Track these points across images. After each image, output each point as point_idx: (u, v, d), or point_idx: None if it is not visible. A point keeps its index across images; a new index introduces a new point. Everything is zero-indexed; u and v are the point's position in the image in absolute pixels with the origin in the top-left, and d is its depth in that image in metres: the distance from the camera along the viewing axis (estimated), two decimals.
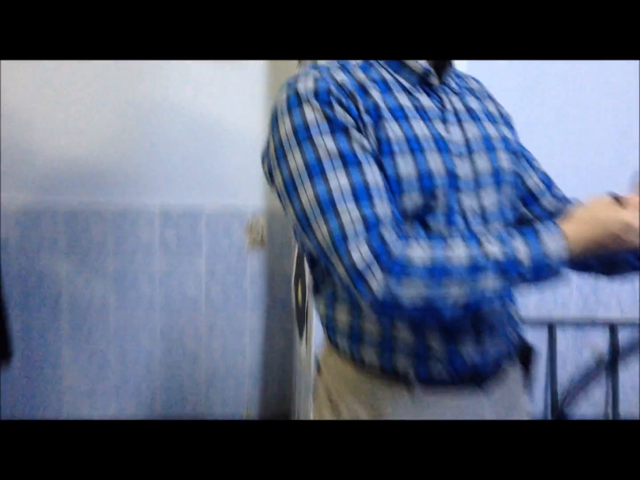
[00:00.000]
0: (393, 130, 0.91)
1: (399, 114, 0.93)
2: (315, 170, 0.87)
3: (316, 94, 0.89)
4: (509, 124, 1.12)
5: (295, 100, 0.89)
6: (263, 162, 0.98)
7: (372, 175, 0.87)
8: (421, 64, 0.96)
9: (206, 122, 2.48)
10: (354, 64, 0.96)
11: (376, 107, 0.91)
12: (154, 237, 2.51)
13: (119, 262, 2.49)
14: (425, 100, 0.97)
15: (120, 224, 2.48)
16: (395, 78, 0.97)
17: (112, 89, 2.42)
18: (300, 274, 2.10)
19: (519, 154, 1.09)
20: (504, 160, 1.02)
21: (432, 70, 0.97)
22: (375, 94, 0.92)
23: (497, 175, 1.00)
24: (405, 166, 0.89)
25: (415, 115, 0.94)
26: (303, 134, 0.88)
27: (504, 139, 1.05)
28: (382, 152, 0.89)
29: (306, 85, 0.90)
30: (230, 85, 2.49)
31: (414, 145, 0.91)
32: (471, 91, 1.08)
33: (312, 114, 0.88)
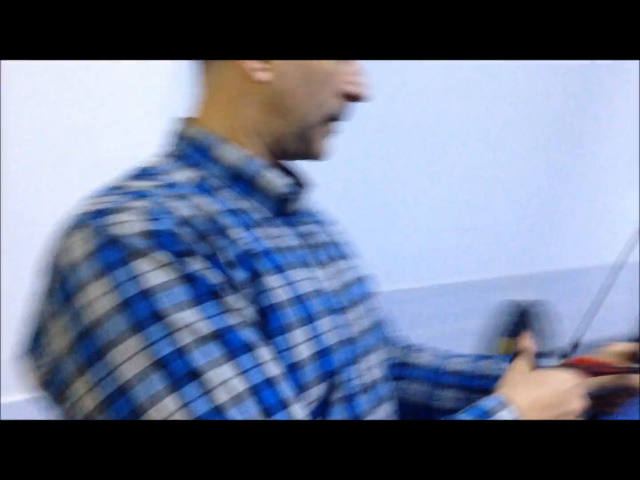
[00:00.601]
0: (273, 291, 0.62)
1: (275, 263, 0.65)
2: (181, 372, 0.51)
3: (155, 240, 0.54)
4: (354, 254, 0.87)
5: (115, 253, 0.53)
6: (26, 360, 0.61)
7: (272, 362, 0.57)
8: (276, 186, 0.70)
9: None
10: (189, 188, 0.64)
11: (244, 254, 0.62)
12: None
13: None
14: (289, 237, 0.71)
15: None
16: (248, 207, 0.68)
17: None
18: None
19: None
20: (377, 308, 0.82)
21: (289, 193, 0.71)
22: (236, 233, 0.63)
23: (376, 330, 0.79)
24: (304, 346, 0.62)
25: (290, 262, 0.67)
26: (143, 311, 0.52)
27: (365, 279, 0.83)
28: (270, 328, 0.60)
29: (131, 226, 0.55)
30: None
31: (305, 313, 0.64)
32: (316, 220, 0.83)
33: (155, 274, 0.53)
